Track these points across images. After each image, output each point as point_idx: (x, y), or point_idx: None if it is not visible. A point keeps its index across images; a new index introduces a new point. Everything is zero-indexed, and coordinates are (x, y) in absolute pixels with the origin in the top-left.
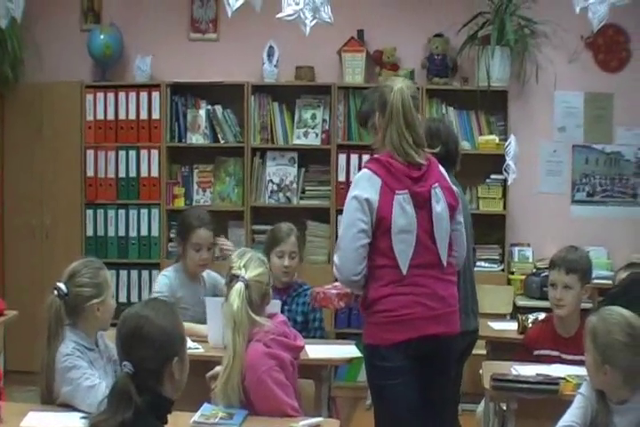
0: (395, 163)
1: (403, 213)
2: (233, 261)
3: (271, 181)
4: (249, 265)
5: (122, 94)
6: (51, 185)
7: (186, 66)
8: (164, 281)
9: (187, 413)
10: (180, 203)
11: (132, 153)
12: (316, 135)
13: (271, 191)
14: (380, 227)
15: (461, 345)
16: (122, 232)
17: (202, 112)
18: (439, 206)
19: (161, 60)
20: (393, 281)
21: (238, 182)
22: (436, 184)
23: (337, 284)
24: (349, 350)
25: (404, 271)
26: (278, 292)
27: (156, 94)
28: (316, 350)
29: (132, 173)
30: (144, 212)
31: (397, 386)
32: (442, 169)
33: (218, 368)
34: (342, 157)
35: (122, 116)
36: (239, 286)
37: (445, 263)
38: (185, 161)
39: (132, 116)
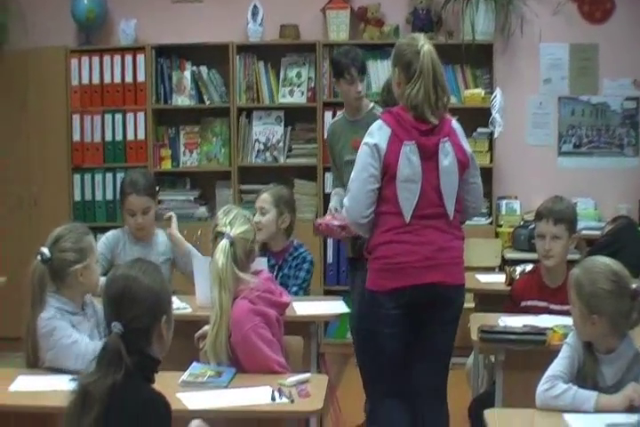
0: (405, 115)
1: (408, 162)
2: (218, 218)
3: (257, 140)
4: (234, 222)
5: (107, 58)
6: (37, 151)
7: (170, 28)
8: (103, 240)
9: (175, 372)
10: (167, 165)
11: (118, 116)
12: (302, 93)
13: (258, 151)
14: (387, 174)
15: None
16: (110, 196)
17: (187, 73)
18: (447, 160)
19: (145, 22)
20: (394, 228)
21: (225, 143)
22: (446, 139)
23: (337, 215)
24: (337, 306)
25: (407, 219)
26: (273, 255)
27: (140, 57)
28: (304, 307)
29: (119, 137)
30: (128, 173)
31: (388, 335)
32: (457, 127)
33: (206, 328)
34: (328, 115)
35: (107, 79)
36: (224, 242)
37: (452, 216)
38: (171, 123)
39: (118, 79)
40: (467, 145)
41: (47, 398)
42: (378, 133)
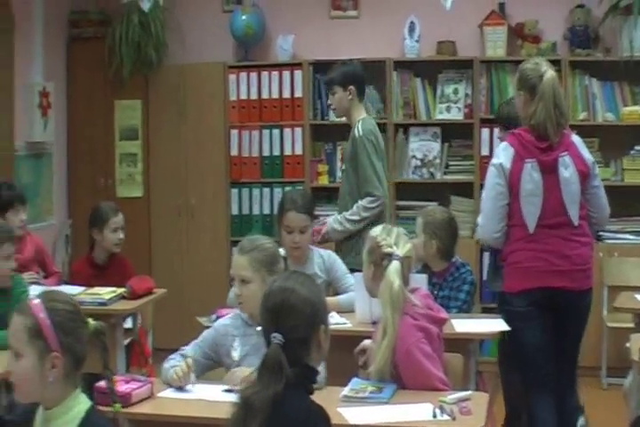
0: (526, 135)
1: (530, 178)
2: (380, 238)
3: (414, 156)
4: (399, 242)
5: (264, 74)
6: (195, 165)
7: (327, 44)
8: None
9: (336, 387)
10: (323, 180)
11: (276, 132)
12: (459, 110)
13: (414, 167)
14: (512, 191)
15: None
16: (267, 210)
17: None
18: (567, 172)
19: (302, 38)
20: (522, 238)
21: None
22: (565, 153)
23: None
24: (497, 324)
25: (531, 230)
26: (434, 275)
27: (298, 73)
28: (463, 324)
29: (276, 152)
30: (288, 190)
31: (522, 329)
32: (576, 140)
33: (365, 342)
34: (485, 131)
35: (265, 95)
36: (396, 264)
37: (576, 223)
38: (328, 138)
39: (275, 95)
40: (587, 155)
41: (193, 408)
42: (503, 154)
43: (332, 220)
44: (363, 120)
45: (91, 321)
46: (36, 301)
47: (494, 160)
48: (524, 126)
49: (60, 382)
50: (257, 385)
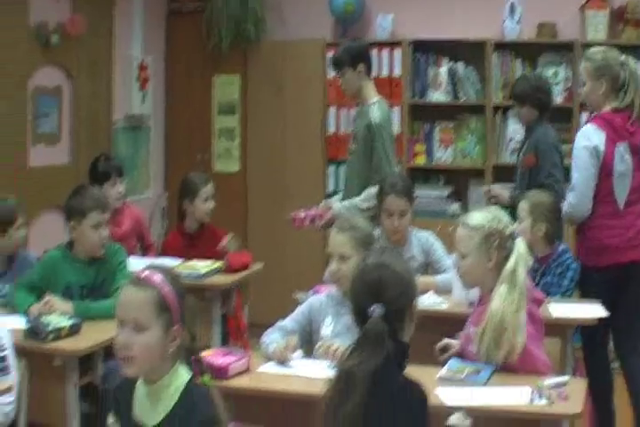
0: (615, 118)
1: (622, 160)
2: (494, 223)
3: (512, 139)
4: (507, 219)
5: None
6: (292, 141)
7: (427, 23)
8: None
9: (432, 367)
10: (421, 160)
11: None
12: (558, 93)
13: (512, 150)
14: (603, 171)
15: None
16: None
17: (443, 69)
18: None
19: (402, 17)
20: (604, 214)
21: (480, 140)
22: None
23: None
24: (595, 310)
25: (621, 207)
26: (537, 261)
27: (397, 52)
28: (561, 309)
29: None
30: (386, 173)
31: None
32: None
33: (447, 341)
34: (585, 116)
35: None
36: (524, 244)
37: None
38: (426, 118)
39: (374, 73)
40: None
41: (289, 383)
42: (595, 137)
43: (341, 206)
44: (378, 104)
45: None
46: (157, 275)
47: (586, 143)
48: (607, 110)
49: (172, 355)
50: (357, 357)
